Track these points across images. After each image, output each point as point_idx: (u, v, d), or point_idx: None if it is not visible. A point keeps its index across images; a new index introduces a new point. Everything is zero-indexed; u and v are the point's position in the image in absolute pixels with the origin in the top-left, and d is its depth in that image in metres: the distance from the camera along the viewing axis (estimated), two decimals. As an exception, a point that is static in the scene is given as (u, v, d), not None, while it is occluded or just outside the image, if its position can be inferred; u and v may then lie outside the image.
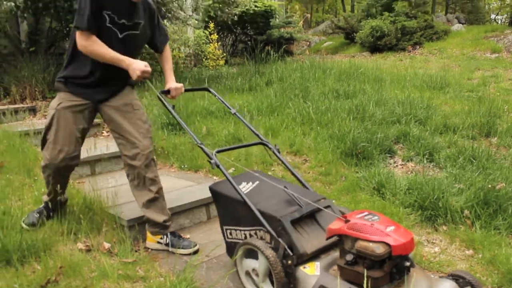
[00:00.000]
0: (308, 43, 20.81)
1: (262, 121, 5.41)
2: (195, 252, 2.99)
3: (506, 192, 3.54)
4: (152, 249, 3.06)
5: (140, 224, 3.12)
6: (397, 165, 4.45)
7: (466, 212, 3.34)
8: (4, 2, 6.06)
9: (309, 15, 29.23)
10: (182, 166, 4.59)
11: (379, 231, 2.00)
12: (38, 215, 3.10)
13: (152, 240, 3.07)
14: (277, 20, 15.05)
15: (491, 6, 40.07)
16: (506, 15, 30.94)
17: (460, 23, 20.69)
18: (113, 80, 2.92)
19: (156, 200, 3.00)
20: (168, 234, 3.04)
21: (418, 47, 14.91)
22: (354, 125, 4.98)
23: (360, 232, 2.02)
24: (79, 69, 2.84)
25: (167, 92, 3.07)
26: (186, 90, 3.22)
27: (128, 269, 2.63)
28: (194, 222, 3.56)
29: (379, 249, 1.94)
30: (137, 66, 2.68)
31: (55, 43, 7.55)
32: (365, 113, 5.42)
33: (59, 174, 2.93)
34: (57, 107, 2.85)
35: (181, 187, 3.95)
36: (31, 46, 7.11)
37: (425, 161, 4.43)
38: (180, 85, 3.11)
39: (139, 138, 2.91)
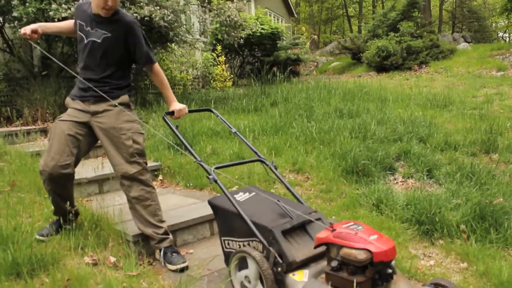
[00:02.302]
0: (315, 63, 21.10)
1: (266, 140, 5.54)
2: (182, 269, 3.05)
3: (502, 207, 3.62)
4: (156, 262, 3.19)
5: (144, 239, 3.24)
6: (397, 182, 4.54)
7: (462, 226, 3.42)
8: (19, 30, 6.31)
9: (315, 37, 29.58)
10: (188, 185, 4.72)
11: (362, 239, 2.13)
12: (49, 227, 3.28)
13: (156, 253, 3.22)
14: (284, 42, 15.31)
15: (498, 25, 40.29)
16: (514, 33, 31.00)
17: (466, 42, 20.87)
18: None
19: (143, 215, 3.15)
20: (162, 248, 3.16)
21: (424, 66, 15.07)
22: (356, 144, 5.09)
23: (344, 240, 2.16)
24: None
25: (172, 113, 3.24)
26: (190, 111, 3.39)
27: (132, 282, 2.74)
28: (198, 237, 3.68)
29: (361, 256, 2.08)
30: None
31: (67, 66, 7.77)
32: (367, 132, 5.53)
33: (53, 180, 3.06)
34: (56, 120, 3.13)
35: (186, 204, 4.08)
36: (43, 70, 7.35)
37: (425, 178, 4.51)
38: (183, 106, 3.30)
39: (121, 161, 3.09)
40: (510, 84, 10.66)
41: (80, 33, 3.15)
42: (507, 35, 41.06)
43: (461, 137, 5.56)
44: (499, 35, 40.94)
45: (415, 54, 15.28)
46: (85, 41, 3.12)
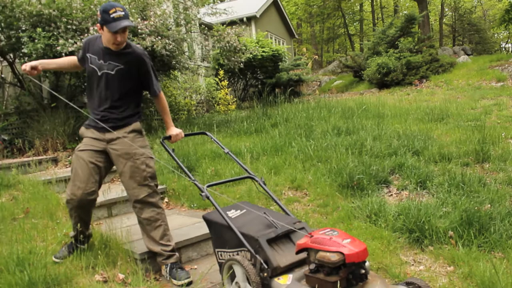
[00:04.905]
0: (318, 83, 21.39)
1: (266, 160, 5.78)
2: (188, 284, 3.26)
3: (489, 213, 3.80)
4: (162, 278, 3.40)
5: (150, 257, 3.46)
6: (391, 194, 4.73)
7: (450, 232, 3.61)
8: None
9: (317, 57, 29.99)
10: (192, 206, 4.96)
11: (336, 243, 2.37)
12: (64, 250, 3.54)
13: (162, 269, 3.44)
14: (285, 63, 15.64)
15: (499, 36, 40.51)
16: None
17: (466, 54, 21.09)
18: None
19: (153, 235, 3.39)
20: (169, 264, 3.39)
21: (424, 80, 15.28)
22: (352, 160, 5.30)
23: (320, 245, 2.40)
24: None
25: (169, 137, 3.52)
26: (186, 135, 3.65)
27: (140, 296, 2.96)
28: (202, 254, 3.90)
29: (334, 257, 2.32)
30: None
31: (74, 98, 8.13)
32: (362, 148, 5.75)
33: (80, 207, 3.35)
34: (76, 151, 3.35)
35: (190, 223, 4.31)
36: (52, 102, 7.69)
37: (418, 189, 4.70)
38: (179, 131, 3.59)
39: (134, 185, 3.34)
40: (509, 94, 10.81)
41: (92, 66, 3.35)
42: (509, 45, 41.25)
43: (455, 149, 5.74)
44: (501, 46, 41.13)
45: (415, 69, 15.51)
46: (99, 73, 3.33)
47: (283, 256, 2.68)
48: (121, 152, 3.34)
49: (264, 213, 2.97)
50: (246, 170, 3.48)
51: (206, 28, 10.26)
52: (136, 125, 3.47)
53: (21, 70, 3.31)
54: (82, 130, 3.47)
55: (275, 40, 21.92)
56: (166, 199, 5.20)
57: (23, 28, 6.65)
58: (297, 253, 2.56)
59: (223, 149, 3.63)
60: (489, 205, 4.04)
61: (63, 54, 6.45)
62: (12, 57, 7.56)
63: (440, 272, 3.27)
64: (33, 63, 3.31)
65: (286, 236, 2.85)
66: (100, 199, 4.65)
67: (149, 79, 3.47)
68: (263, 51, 13.64)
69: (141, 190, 3.35)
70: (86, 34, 6.55)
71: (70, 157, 6.75)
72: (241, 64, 9.68)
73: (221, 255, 3.04)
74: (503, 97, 10.45)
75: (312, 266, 2.42)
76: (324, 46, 41.45)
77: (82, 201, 3.30)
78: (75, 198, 3.29)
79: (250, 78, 15.46)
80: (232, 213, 3.09)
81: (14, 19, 6.60)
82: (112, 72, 3.31)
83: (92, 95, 3.42)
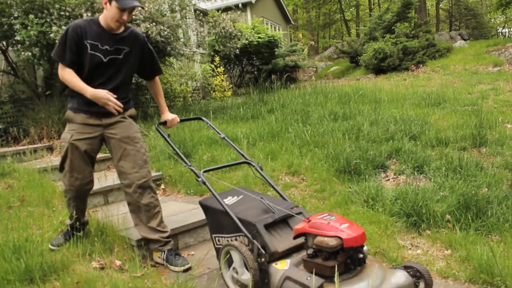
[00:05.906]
0: (315, 69, 21.30)
1: (263, 146, 5.75)
2: (186, 270, 3.26)
3: (486, 197, 3.80)
4: (158, 264, 3.39)
5: (147, 244, 3.45)
6: (389, 179, 4.72)
7: (448, 216, 3.61)
8: (22, 53, 6.60)
9: (313, 43, 29.85)
10: (188, 192, 4.94)
11: (334, 227, 2.35)
12: (60, 237, 3.54)
13: (155, 256, 3.43)
14: (281, 49, 15.55)
15: (496, 20, 40.37)
16: (513, 27, 31.03)
17: (463, 39, 21.01)
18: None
19: (149, 222, 3.35)
20: (166, 251, 3.37)
21: (421, 65, 15.21)
22: (349, 145, 5.28)
23: (318, 229, 2.39)
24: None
25: (164, 123, 3.48)
26: (181, 120, 3.62)
27: (137, 282, 2.94)
28: (198, 240, 3.89)
29: (332, 242, 2.30)
30: (100, 95, 3.07)
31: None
32: (359, 133, 5.73)
33: (78, 197, 3.38)
34: (70, 140, 3.25)
35: (187, 210, 4.29)
36: (47, 90, 7.63)
37: (415, 173, 4.69)
38: (174, 116, 3.55)
39: (135, 169, 3.28)
40: (506, 79, 10.79)
41: (94, 53, 3.14)
42: (506, 30, 41.12)
43: (452, 133, 5.73)
44: (498, 31, 41.01)
45: (412, 55, 15.44)
46: (104, 59, 3.17)
47: (281, 241, 2.67)
48: (121, 136, 3.29)
49: (261, 198, 2.96)
50: (242, 155, 3.46)
51: (201, 14, 10.16)
52: (132, 111, 3.45)
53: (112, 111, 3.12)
54: (70, 114, 3.31)
55: (271, 26, 21.76)
56: (162, 186, 5.18)
57: (16, 15, 6.56)
58: (295, 238, 2.55)
59: (219, 134, 3.60)
60: (486, 189, 4.03)
61: (56, 41, 6.37)
62: (5, 44, 7.46)
63: (438, 256, 3.27)
64: (108, 95, 3.09)
65: (283, 221, 2.84)
66: (96, 186, 4.60)
67: (154, 57, 3.46)
68: (259, 37, 13.55)
69: (142, 174, 3.31)
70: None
71: (65, 145, 6.72)
72: (237, 50, 9.62)
73: (218, 240, 3.03)
74: (499, 82, 10.44)
75: (310, 251, 2.41)
76: (320, 32, 41.25)
77: (79, 191, 3.34)
78: (73, 189, 3.31)
79: (246, 64, 15.37)
80: (229, 199, 3.09)
81: (6, 6, 6.50)
82: (120, 56, 3.24)
83: (92, 81, 3.20)
